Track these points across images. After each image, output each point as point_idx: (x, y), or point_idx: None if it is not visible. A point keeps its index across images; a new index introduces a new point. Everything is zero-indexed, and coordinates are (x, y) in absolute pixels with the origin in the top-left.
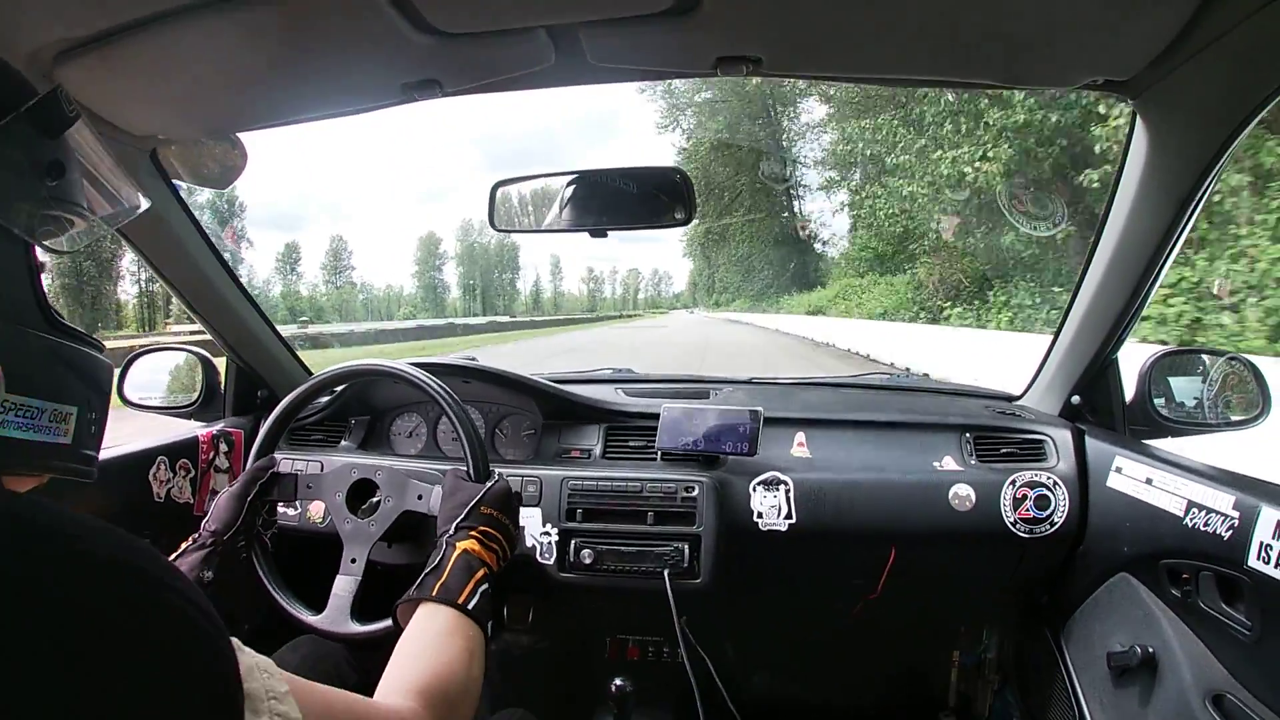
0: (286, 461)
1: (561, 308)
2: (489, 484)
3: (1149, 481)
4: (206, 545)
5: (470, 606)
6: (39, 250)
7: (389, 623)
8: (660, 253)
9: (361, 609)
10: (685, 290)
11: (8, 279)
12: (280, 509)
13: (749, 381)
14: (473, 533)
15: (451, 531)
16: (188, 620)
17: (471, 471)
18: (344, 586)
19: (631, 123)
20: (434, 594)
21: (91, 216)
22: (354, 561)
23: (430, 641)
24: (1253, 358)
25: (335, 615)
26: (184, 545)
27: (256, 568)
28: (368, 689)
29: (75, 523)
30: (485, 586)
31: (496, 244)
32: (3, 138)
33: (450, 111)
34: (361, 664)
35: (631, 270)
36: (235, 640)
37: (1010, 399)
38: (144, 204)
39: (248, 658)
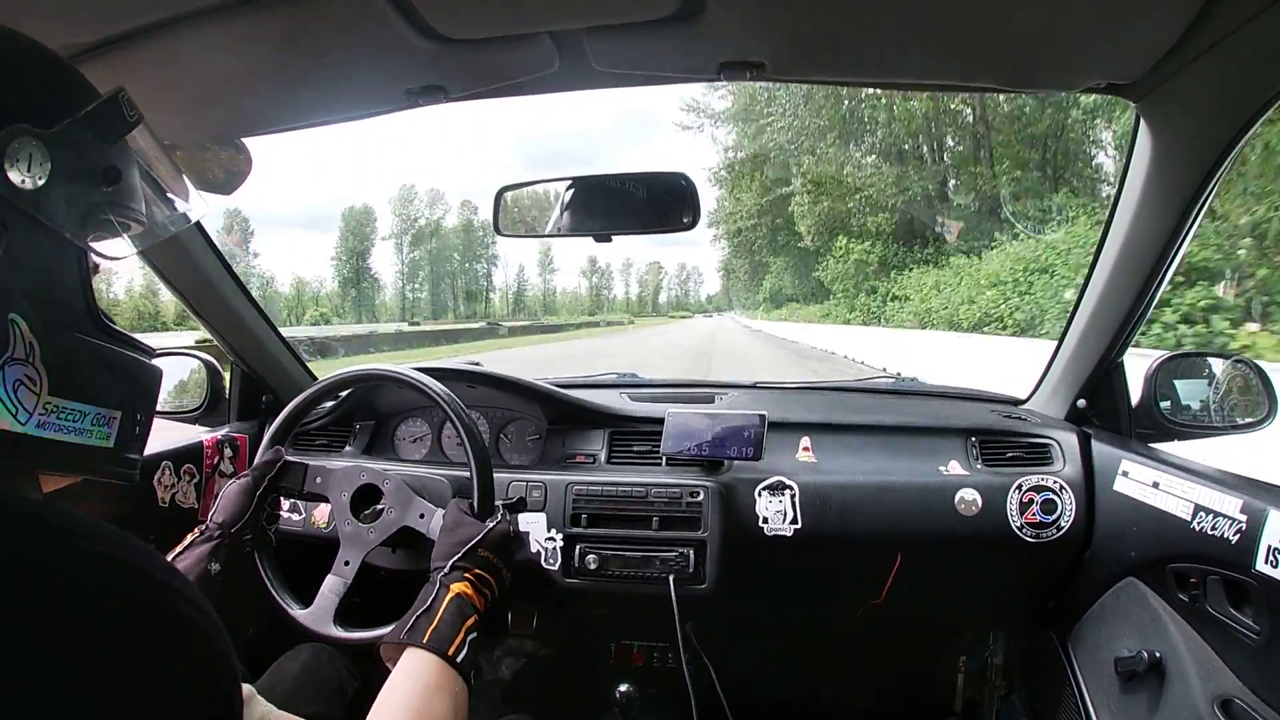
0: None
1: (555, 310)
2: (490, 524)
3: (1156, 485)
4: (214, 538)
5: (459, 659)
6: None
7: (367, 634)
8: (689, 249)
9: (348, 613)
10: (719, 292)
11: (60, 284)
12: (284, 512)
13: (754, 386)
14: (467, 575)
15: (446, 570)
16: (190, 623)
17: (476, 505)
18: (332, 587)
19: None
20: (425, 640)
21: (148, 221)
22: (347, 564)
23: (416, 694)
24: (1259, 361)
25: (319, 615)
26: (190, 537)
27: (257, 561)
28: (370, 698)
29: (82, 524)
30: (474, 635)
31: (461, 224)
32: (59, 142)
33: (485, 111)
34: (363, 672)
35: (651, 264)
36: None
37: (1016, 403)
38: (207, 209)
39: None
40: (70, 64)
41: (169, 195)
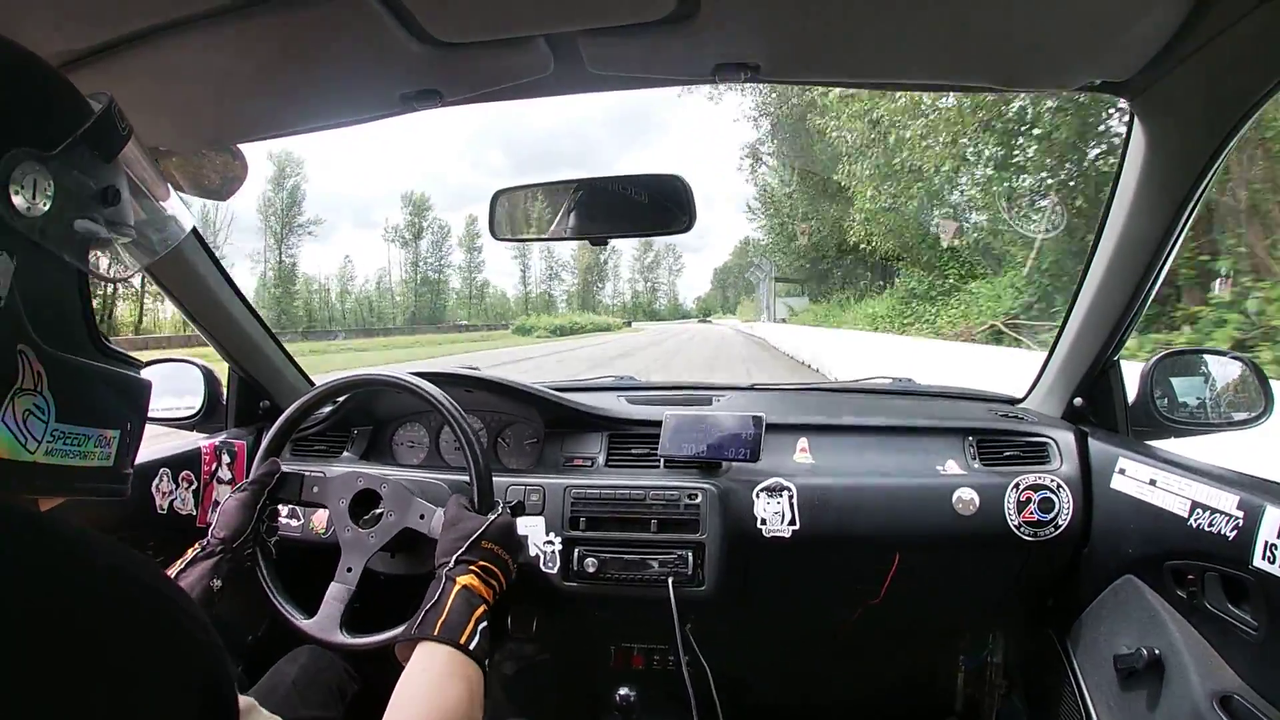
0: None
1: (342, 317)
2: (491, 517)
3: (1153, 482)
4: (216, 553)
5: (471, 647)
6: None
7: (374, 638)
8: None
9: (353, 619)
10: (712, 290)
11: (64, 309)
12: (283, 519)
13: (751, 388)
14: (472, 567)
15: (451, 564)
16: (189, 637)
17: (475, 500)
18: (337, 595)
19: (670, 118)
20: (436, 633)
21: (145, 237)
22: (350, 571)
23: (431, 683)
24: (1255, 358)
25: (325, 623)
26: (191, 552)
27: (259, 573)
28: (370, 699)
29: (81, 535)
30: (484, 624)
31: None
32: (60, 165)
33: (474, 110)
34: (363, 674)
35: (589, 253)
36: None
37: (1012, 402)
38: (191, 221)
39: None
40: (64, 77)
41: (161, 206)
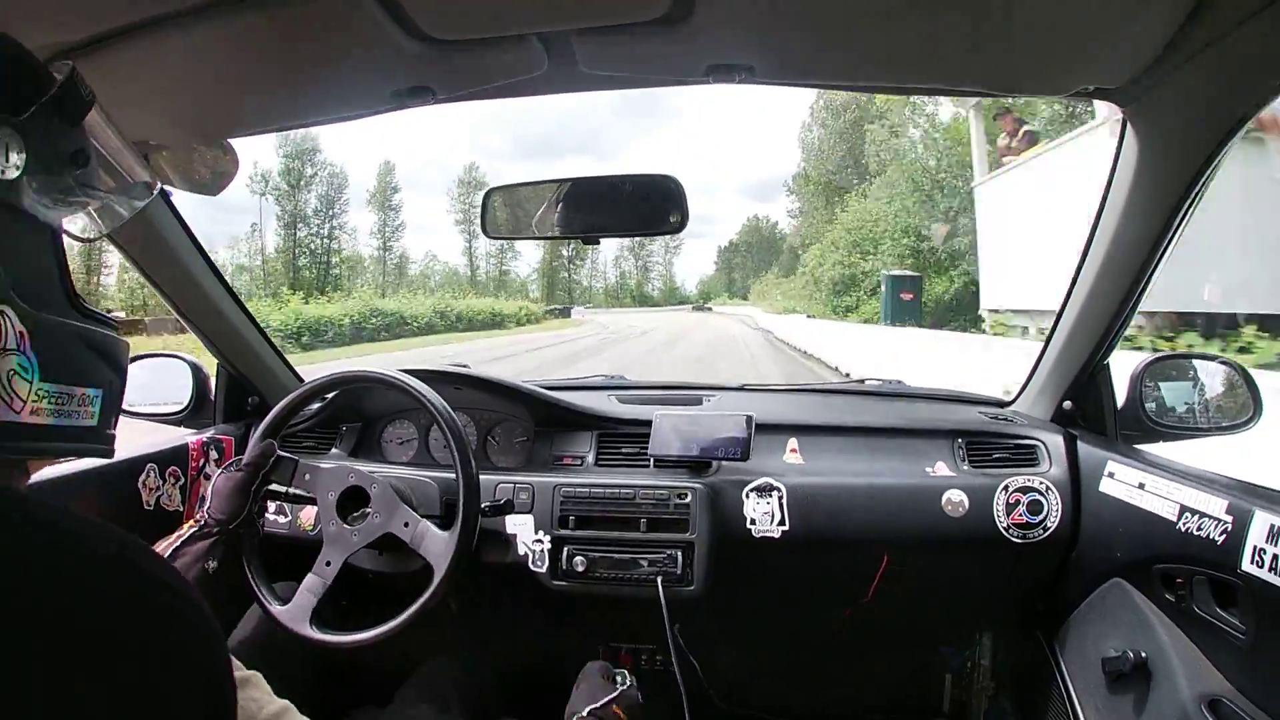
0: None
1: None
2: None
3: (1141, 486)
4: (212, 534)
5: None
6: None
7: (341, 637)
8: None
9: (337, 613)
10: (715, 273)
11: (37, 268)
12: (270, 515)
13: (741, 388)
14: None
15: None
16: (182, 619)
17: (461, 500)
18: (311, 586)
19: (680, 102)
20: None
21: (114, 200)
22: (328, 565)
23: None
24: (1244, 363)
25: (296, 613)
26: (187, 528)
27: (243, 554)
28: (352, 669)
29: (74, 520)
30: None
31: None
32: (29, 129)
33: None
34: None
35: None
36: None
37: (1002, 404)
38: (159, 184)
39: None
40: (25, 47)
41: (124, 170)
